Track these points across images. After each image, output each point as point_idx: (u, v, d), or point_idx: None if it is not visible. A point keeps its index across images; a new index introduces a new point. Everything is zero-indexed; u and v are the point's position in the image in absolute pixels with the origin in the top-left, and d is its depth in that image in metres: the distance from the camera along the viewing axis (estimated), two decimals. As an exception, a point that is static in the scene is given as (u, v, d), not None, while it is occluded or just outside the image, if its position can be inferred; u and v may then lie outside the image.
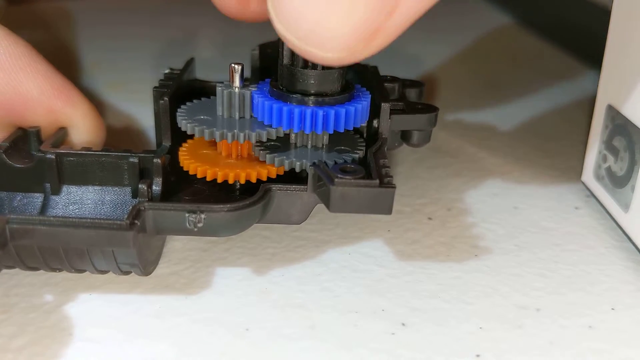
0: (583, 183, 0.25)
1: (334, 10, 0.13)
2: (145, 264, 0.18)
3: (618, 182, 0.22)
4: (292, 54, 0.19)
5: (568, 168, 0.27)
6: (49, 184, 0.20)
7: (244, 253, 0.21)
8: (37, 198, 0.20)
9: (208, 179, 0.19)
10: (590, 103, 0.25)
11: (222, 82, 0.20)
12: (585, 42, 0.41)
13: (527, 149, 0.28)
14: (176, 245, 0.21)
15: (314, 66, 0.18)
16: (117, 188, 0.20)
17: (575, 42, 0.42)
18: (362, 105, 0.19)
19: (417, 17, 0.14)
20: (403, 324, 0.18)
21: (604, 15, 0.23)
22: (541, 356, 0.17)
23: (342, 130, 0.19)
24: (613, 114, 0.22)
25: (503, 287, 0.19)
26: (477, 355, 0.17)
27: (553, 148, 0.29)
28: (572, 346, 0.17)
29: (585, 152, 0.24)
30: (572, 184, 0.25)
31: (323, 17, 0.14)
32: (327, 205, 0.18)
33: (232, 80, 0.20)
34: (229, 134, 0.19)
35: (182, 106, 0.21)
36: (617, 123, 0.22)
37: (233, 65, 0.20)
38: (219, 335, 0.17)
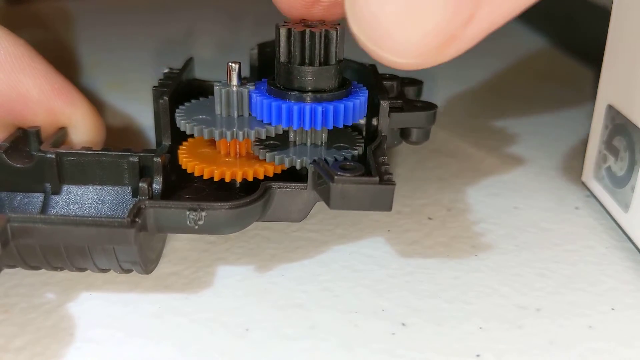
0: (583, 183, 0.25)
1: (409, 16, 0.13)
2: (146, 262, 0.18)
3: (618, 182, 0.22)
4: (289, 52, 0.19)
5: (568, 168, 0.27)
6: (49, 184, 0.20)
7: (244, 253, 0.21)
8: (38, 198, 0.20)
9: (205, 177, 0.19)
10: (590, 103, 0.25)
11: (219, 82, 0.20)
12: (585, 42, 0.41)
13: (527, 149, 0.28)
14: (176, 245, 0.21)
15: (311, 63, 0.19)
16: (117, 187, 0.20)
17: (575, 42, 0.42)
18: (360, 100, 0.19)
19: (497, 26, 0.13)
20: (403, 324, 0.18)
21: (604, 15, 0.23)
22: (541, 356, 0.17)
23: (340, 126, 0.19)
24: (613, 114, 0.22)
25: (503, 287, 0.19)
26: (477, 355, 0.17)
27: (553, 148, 0.29)
28: (572, 346, 0.17)
29: (585, 152, 0.24)
30: (572, 184, 0.25)
31: (398, 23, 0.13)
32: (327, 203, 0.18)
33: (229, 79, 0.20)
34: (228, 133, 0.19)
35: (181, 106, 0.21)
36: (617, 123, 0.22)
37: (230, 64, 0.20)
38: (219, 335, 0.17)
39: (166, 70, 0.23)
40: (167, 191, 0.19)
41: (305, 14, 0.19)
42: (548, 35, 0.45)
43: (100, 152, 0.20)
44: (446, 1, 0.13)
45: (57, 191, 0.20)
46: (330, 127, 0.19)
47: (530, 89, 0.36)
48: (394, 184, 0.17)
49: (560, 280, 0.20)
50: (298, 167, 0.19)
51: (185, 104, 0.21)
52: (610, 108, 0.22)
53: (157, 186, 0.19)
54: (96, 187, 0.20)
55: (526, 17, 0.48)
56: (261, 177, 0.19)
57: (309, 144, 0.20)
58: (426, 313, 0.18)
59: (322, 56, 0.19)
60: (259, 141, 0.20)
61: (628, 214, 0.21)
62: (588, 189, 0.24)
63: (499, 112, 0.32)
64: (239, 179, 0.19)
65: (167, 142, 0.20)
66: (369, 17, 0.13)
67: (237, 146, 0.20)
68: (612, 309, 0.19)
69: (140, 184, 0.18)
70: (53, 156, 0.19)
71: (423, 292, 0.19)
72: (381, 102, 0.20)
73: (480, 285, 0.19)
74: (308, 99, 0.19)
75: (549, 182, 0.26)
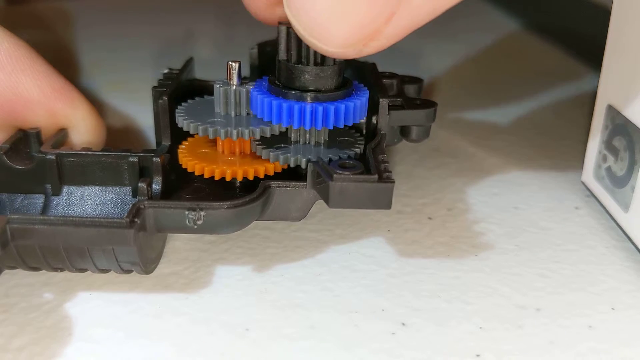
0: (583, 183, 0.25)
1: (335, 9, 0.14)
2: (146, 262, 0.18)
3: (618, 182, 0.22)
4: (288, 50, 0.19)
5: (568, 168, 0.27)
6: (49, 185, 0.20)
7: (243, 253, 0.21)
8: (38, 199, 0.20)
9: (206, 176, 0.19)
10: (590, 103, 0.25)
11: (219, 80, 0.20)
12: (585, 42, 0.41)
13: (527, 149, 0.28)
14: (176, 245, 0.21)
15: (307, 62, 0.19)
16: (117, 188, 0.20)
17: (575, 42, 0.42)
18: (361, 101, 0.19)
19: (416, 26, 0.15)
20: (403, 324, 0.18)
21: (604, 15, 0.23)
22: (541, 356, 0.17)
23: (341, 126, 0.19)
24: (613, 114, 0.22)
25: (503, 287, 0.19)
26: (477, 355, 0.17)
27: (553, 148, 0.29)
28: (572, 346, 0.17)
29: (585, 152, 0.24)
30: (572, 184, 0.25)
31: (325, 14, 0.15)
32: (327, 201, 0.18)
33: (229, 77, 0.20)
34: (233, 131, 0.19)
35: (181, 105, 0.21)
36: (617, 123, 0.22)
37: (230, 63, 0.20)
38: (219, 335, 0.17)
39: (166, 71, 0.23)
40: (166, 191, 0.19)
41: (271, 13, 0.20)
42: (548, 35, 0.45)
43: (100, 153, 0.20)
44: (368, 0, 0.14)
45: (57, 192, 0.20)
46: (331, 127, 0.19)
47: (530, 89, 0.36)
48: (393, 182, 0.17)
49: (560, 280, 0.20)
50: (293, 164, 0.19)
51: (184, 103, 0.21)
52: (610, 108, 0.22)
53: (156, 186, 0.19)
54: (96, 187, 0.20)
55: (526, 18, 0.48)
56: (261, 176, 0.19)
57: (308, 142, 0.20)
58: (426, 313, 0.18)
59: (318, 56, 0.19)
60: (259, 140, 0.20)
61: (628, 214, 0.21)
62: (588, 189, 0.24)
63: (499, 112, 0.32)
64: (239, 178, 0.19)
65: (166, 142, 0.20)
66: (301, 7, 0.15)
67: (237, 145, 0.20)
68: (612, 309, 0.19)
69: (139, 184, 0.18)
70: (53, 157, 0.19)
71: (423, 292, 0.19)
72: (380, 100, 0.20)
73: (480, 285, 0.20)
74: (309, 98, 0.19)
75: (549, 182, 0.26)
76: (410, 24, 0.15)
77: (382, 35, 0.15)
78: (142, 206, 0.17)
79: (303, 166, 0.19)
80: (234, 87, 0.20)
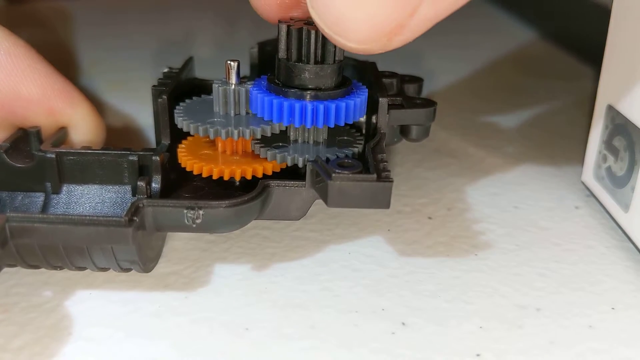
0: (583, 183, 0.25)
1: (359, 4, 0.14)
2: (145, 260, 0.18)
3: (618, 182, 0.22)
4: (288, 48, 0.19)
5: (568, 168, 0.27)
6: (49, 183, 0.20)
7: (243, 253, 0.21)
8: (38, 197, 0.20)
9: (205, 175, 0.19)
10: (590, 103, 0.25)
11: (218, 80, 0.20)
12: (585, 42, 0.41)
13: (527, 149, 0.28)
14: (176, 245, 0.21)
15: (308, 61, 0.19)
16: (117, 186, 0.20)
17: (575, 42, 0.42)
18: (360, 99, 0.19)
19: (440, 18, 0.15)
20: (403, 324, 0.18)
21: (604, 15, 0.23)
22: (541, 356, 0.17)
23: (341, 124, 0.19)
24: (613, 114, 0.22)
25: (503, 287, 0.19)
26: (477, 355, 0.17)
27: (553, 148, 0.29)
28: (572, 346, 0.17)
29: (585, 152, 0.24)
30: (572, 184, 0.25)
31: (349, 10, 0.14)
32: (325, 201, 0.18)
33: (228, 77, 0.20)
34: (234, 131, 0.19)
35: (179, 105, 0.21)
36: (617, 123, 0.22)
37: (229, 62, 0.20)
38: (219, 335, 0.17)
39: (165, 70, 0.23)
40: (166, 190, 0.19)
41: (284, 16, 0.19)
42: (550, 34, 0.45)
43: (99, 152, 0.20)
44: None
45: (57, 191, 0.20)
46: (332, 125, 0.19)
47: (530, 89, 0.36)
48: (392, 181, 0.17)
49: (560, 280, 0.20)
50: (291, 163, 0.19)
51: (181, 103, 0.21)
52: (610, 108, 0.22)
53: (156, 185, 0.19)
54: (96, 186, 0.20)
55: (526, 17, 0.48)
56: (260, 175, 0.19)
57: (308, 141, 0.20)
58: (426, 313, 0.18)
59: (318, 54, 0.19)
60: (258, 139, 0.20)
61: (628, 214, 0.21)
62: (588, 189, 0.24)
63: (499, 112, 0.32)
64: (238, 177, 0.19)
65: (166, 141, 0.20)
66: (323, 4, 0.15)
67: (237, 144, 0.20)
68: (612, 308, 0.19)
69: (138, 183, 0.18)
70: (53, 156, 0.19)
71: (423, 292, 0.19)
72: (380, 99, 0.20)
73: (480, 285, 0.19)
74: (308, 96, 0.19)
75: (549, 182, 0.26)
76: (435, 16, 0.15)
77: (407, 29, 0.15)
78: (141, 205, 0.17)
79: (302, 165, 0.19)
80: (233, 86, 0.20)
